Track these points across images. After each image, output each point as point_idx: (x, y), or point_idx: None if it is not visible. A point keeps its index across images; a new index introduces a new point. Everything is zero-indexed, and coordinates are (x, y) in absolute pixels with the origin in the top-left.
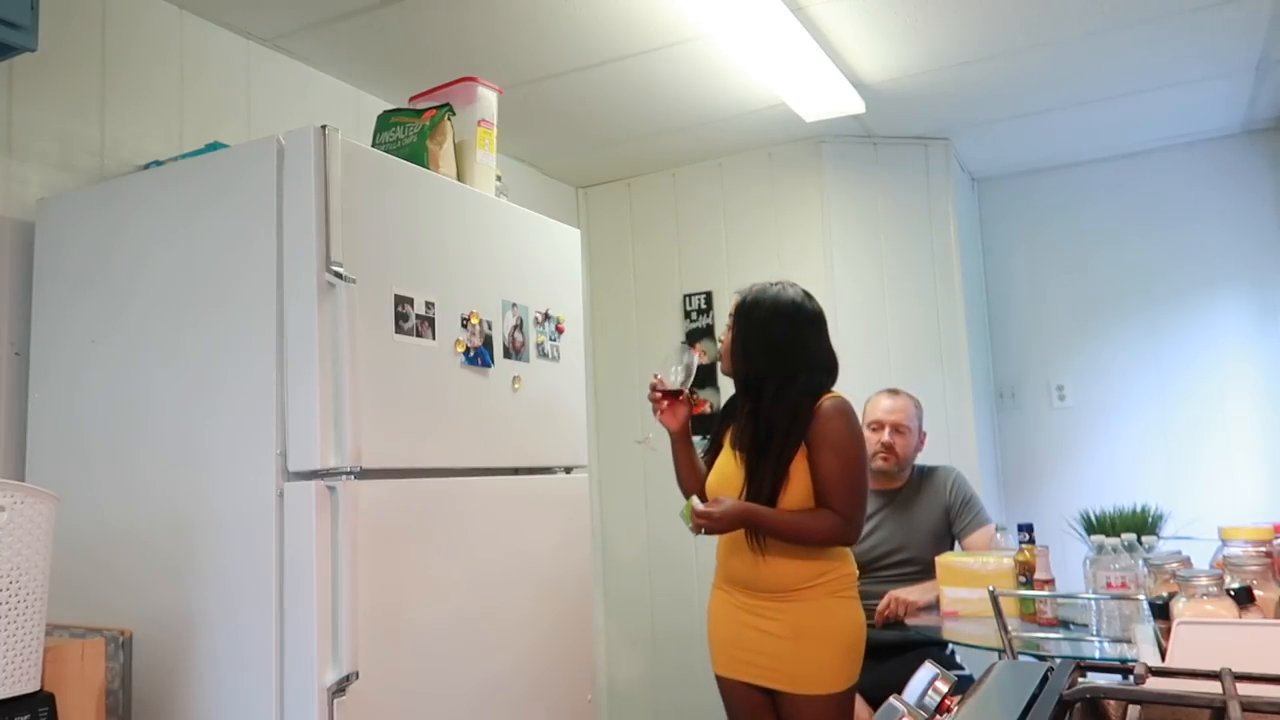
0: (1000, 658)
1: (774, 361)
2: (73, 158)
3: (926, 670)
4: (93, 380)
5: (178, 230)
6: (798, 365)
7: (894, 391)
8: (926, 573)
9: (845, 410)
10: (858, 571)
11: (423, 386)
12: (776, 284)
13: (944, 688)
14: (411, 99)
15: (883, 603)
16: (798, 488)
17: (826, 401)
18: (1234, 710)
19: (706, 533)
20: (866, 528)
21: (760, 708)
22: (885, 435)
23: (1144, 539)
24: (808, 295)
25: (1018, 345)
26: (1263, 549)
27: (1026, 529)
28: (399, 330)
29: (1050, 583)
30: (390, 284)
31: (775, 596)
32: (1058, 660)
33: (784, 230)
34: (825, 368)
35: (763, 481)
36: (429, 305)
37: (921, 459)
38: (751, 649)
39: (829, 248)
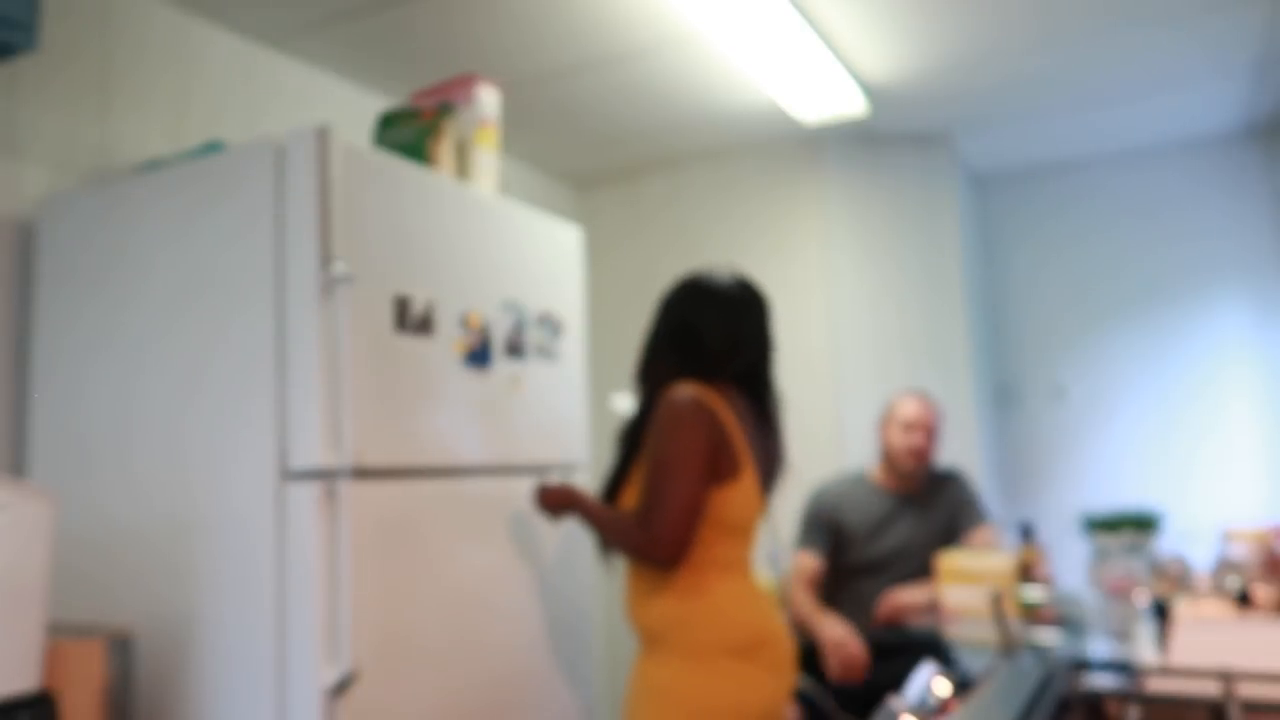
0: (1000, 658)
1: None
2: (73, 158)
3: (926, 670)
4: (93, 380)
5: (178, 230)
6: (649, 353)
7: (920, 395)
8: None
9: (672, 401)
10: (766, 636)
11: (422, 386)
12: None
13: (943, 688)
14: (412, 98)
15: (881, 607)
16: (633, 486)
17: (668, 391)
18: (1234, 710)
19: (546, 514)
20: (880, 529)
21: None
22: (918, 438)
23: (1144, 539)
24: (697, 279)
25: (1019, 344)
26: (1263, 549)
27: (1027, 529)
28: (399, 330)
29: (1050, 582)
30: (390, 284)
31: (642, 642)
32: (1058, 660)
33: (784, 230)
34: (676, 357)
35: (609, 477)
36: (429, 305)
37: None
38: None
39: (830, 247)
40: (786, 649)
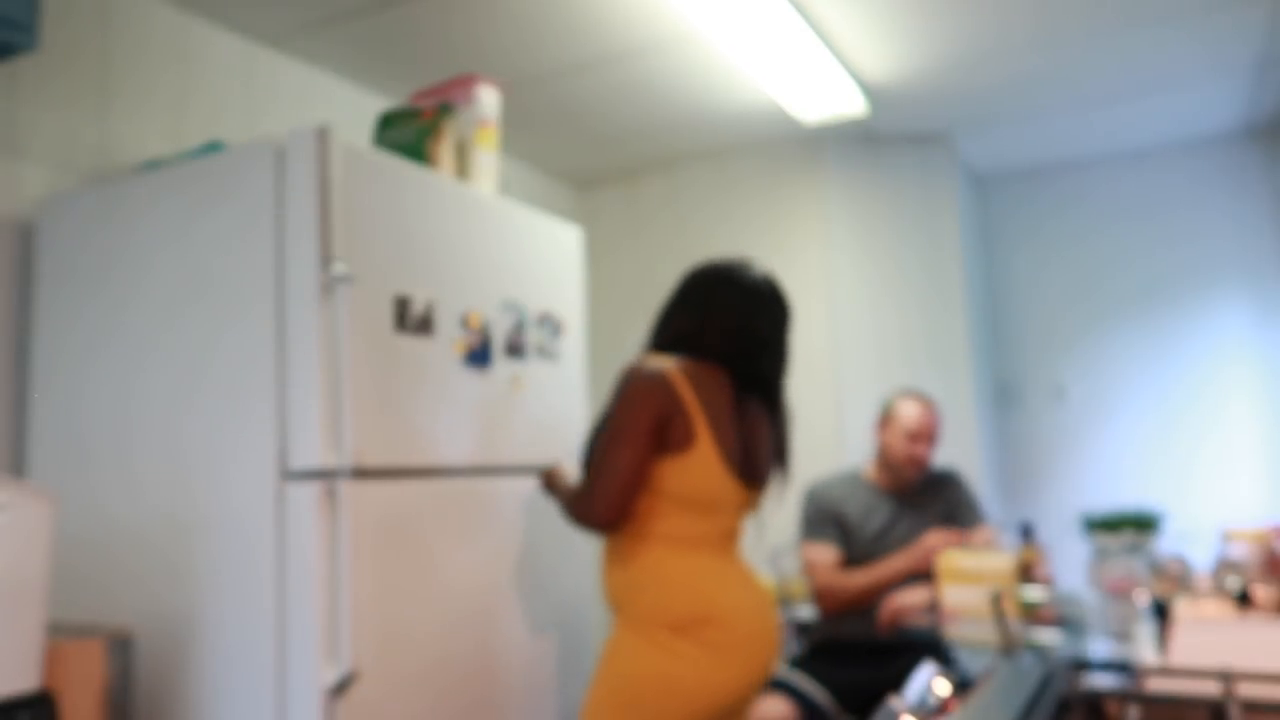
0: (1000, 658)
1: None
2: (73, 158)
3: (926, 670)
4: (93, 380)
5: (178, 230)
6: (660, 321)
7: (922, 399)
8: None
9: (628, 374)
10: (710, 615)
11: (422, 386)
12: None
13: (943, 688)
14: (412, 98)
15: (883, 613)
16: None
17: (634, 362)
18: (1234, 710)
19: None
20: (878, 528)
21: None
22: (922, 449)
23: (1145, 539)
24: (715, 268)
25: (1020, 344)
26: (1263, 549)
27: (1026, 529)
28: (399, 330)
29: (1050, 582)
30: (390, 284)
31: (610, 613)
32: (1058, 660)
33: (784, 230)
34: (664, 340)
35: (587, 438)
36: (429, 305)
37: None
38: None
39: (830, 247)
40: (740, 632)
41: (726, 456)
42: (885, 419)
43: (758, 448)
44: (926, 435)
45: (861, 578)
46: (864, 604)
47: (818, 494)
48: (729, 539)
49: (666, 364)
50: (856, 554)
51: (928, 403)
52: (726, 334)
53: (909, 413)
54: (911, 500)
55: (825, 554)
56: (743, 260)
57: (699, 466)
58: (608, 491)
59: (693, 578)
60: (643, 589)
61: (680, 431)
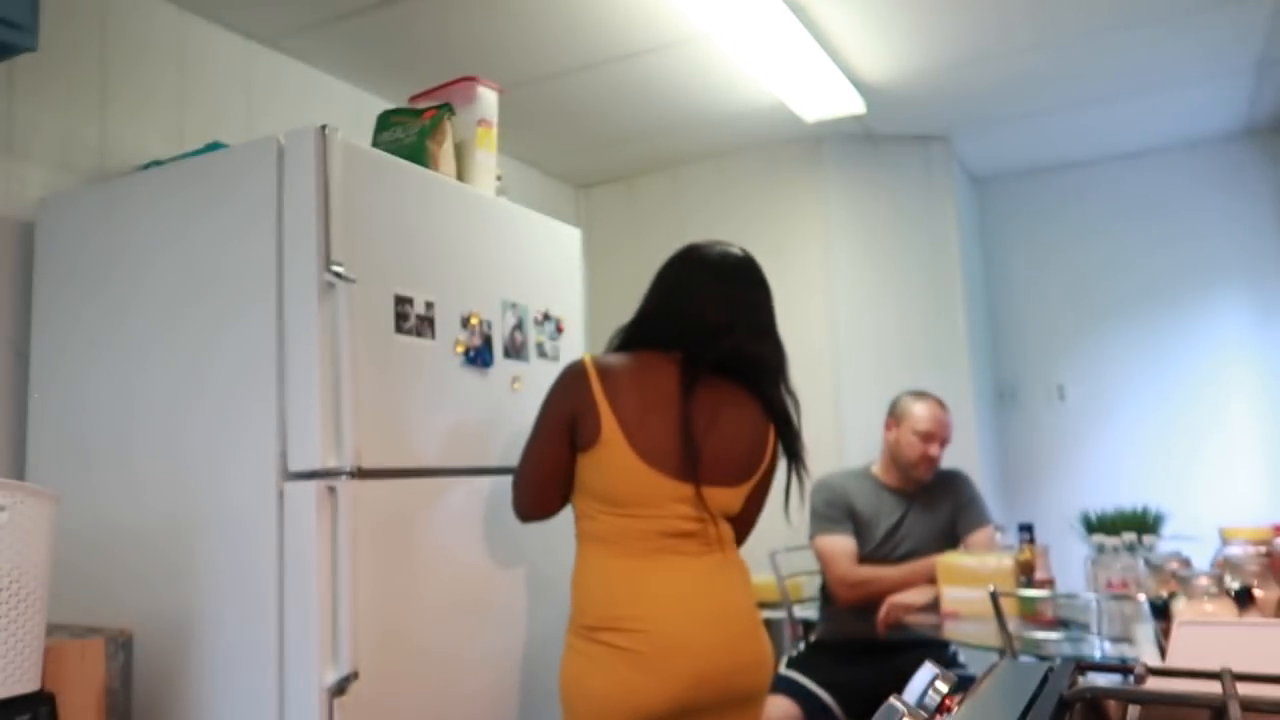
0: (1000, 658)
1: None
2: (73, 158)
3: (926, 670)
4: (93, 380)
5: (178, 230)
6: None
7: (934, 400)
8: None
9: (563, 369)
10: (618, 622)
11: (423, 386)
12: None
13: (944, 688)
14: (411, 99)
15: (881, 611)
16: None
17: None
18: (1234, 710)
19: None
20: (889, 527)
21: None
22: (935, 448)
23: (1144, 539)
24: (680, 250)
25: (1019, 345)
26: (1263, 549)
27: (1026, 529)
28: (399, 330)
29: (1050, 582)
30: (390, 284)
31: None
32: (1058, 660)
33: (784, 230)
34: (631, 330)
35: None
36: (429, 305)
37: None
38: None
39: (829, 248)
40: (659, 641)
41: (647, 454)
42: (896, 419)
43: (717, 442)
44: (939, 435)
45: (894, 573)
46: (881, 600)
47: (829, 486)
48: (678, 540)
49: (586, 358)
50: (866, 552)
51: (939, 403)
52: (684, 315)
53: (922, 413)
54: (920, 500)
55: (844, 544)
56: (711, 241)
57: (606, 465)
58: (521, 487)
59: (605, 580)
60: (573, 587)
61: (588, 428)
